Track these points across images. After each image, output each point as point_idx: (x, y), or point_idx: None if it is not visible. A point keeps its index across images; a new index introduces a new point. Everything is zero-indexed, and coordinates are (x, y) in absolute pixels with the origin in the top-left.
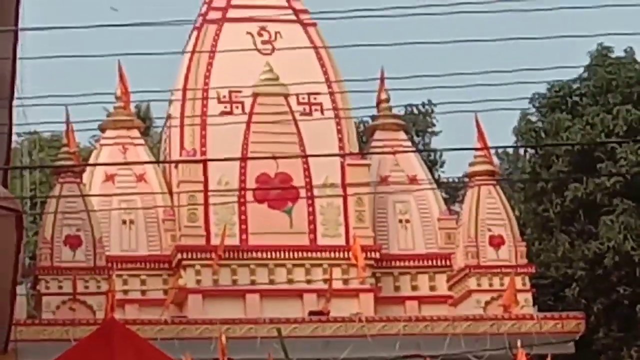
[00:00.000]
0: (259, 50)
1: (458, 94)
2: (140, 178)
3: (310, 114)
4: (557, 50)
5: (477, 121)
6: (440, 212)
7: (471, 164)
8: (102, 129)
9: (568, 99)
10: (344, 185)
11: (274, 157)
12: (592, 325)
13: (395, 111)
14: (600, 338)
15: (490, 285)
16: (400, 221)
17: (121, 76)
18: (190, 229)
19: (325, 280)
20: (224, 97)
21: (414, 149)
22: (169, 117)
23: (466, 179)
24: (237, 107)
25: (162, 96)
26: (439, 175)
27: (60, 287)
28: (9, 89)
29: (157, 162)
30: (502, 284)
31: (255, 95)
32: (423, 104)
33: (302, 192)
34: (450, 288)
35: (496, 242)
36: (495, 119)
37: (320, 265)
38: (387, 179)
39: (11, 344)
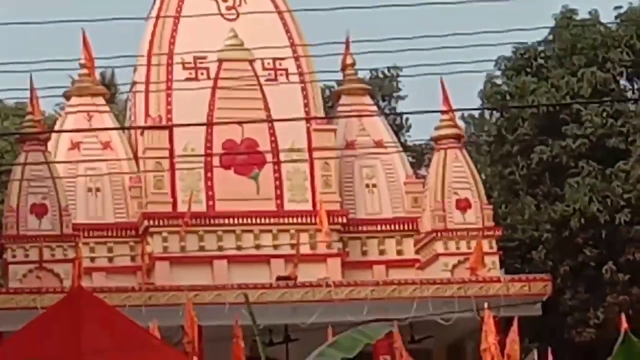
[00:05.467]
0: (223, 16)
1: (424, 57)
2: (106, 145)
3: (275, 79)
4: (522, 13)
5: (442, 84)
6: (407, 176)
7: (437, 128)
8: (66, 96)
9: (533, 62)
10: (310, 150)
11: (240, 122)
12: (559, 287)
13: (360, 76)
14: (566, 299)
15: (457, 248)
16: (367, 186)
17: (85, 43)
18: (156, 196)
19: (292, 246)
20: (189, 63)
21: (379, 113)
22: (134, 84)
23: (432, 143)
24: (202, 74)
25: (127, 62)
26: (405, 140)
27: (26, 256)
28: None
29: (122, 128)
30: (469, 247)
31: (220, 62)
32: (389, 69)
33: (269, 157)
34: (417, 252)
35: (463, 206)
36: (461, 82)
37: (288, 230)
38: (354, 143)
39: None
